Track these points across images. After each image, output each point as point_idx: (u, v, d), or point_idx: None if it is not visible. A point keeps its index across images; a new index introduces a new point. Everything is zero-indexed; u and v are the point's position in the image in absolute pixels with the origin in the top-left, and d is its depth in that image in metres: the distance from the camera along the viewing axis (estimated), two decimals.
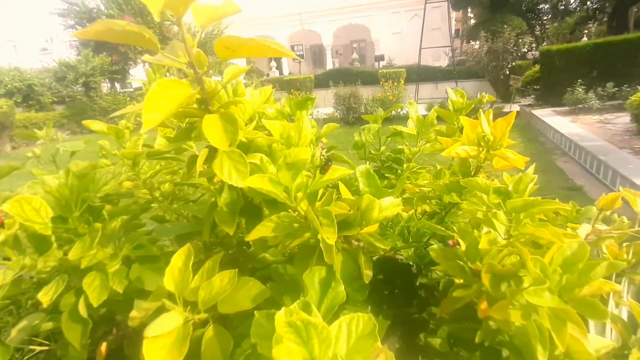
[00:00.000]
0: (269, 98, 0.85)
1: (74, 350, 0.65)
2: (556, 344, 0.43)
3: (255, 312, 0.52)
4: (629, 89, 8.40)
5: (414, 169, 1.09)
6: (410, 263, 0.85)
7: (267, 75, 18.72)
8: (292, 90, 13.50)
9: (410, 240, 0.84)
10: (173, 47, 0.58)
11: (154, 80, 0.90)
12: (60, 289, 0.61)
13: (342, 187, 0.68)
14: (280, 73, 20.25)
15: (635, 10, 14.81)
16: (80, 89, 14.76)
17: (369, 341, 0.42)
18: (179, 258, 0.56)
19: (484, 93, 1.00)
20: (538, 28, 20.31)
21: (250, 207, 0.68)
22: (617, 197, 0.79)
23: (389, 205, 0.62)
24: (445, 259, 0.60)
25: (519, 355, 0.55)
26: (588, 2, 18.31)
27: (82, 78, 14.18)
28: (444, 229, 0.71)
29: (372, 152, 1.20)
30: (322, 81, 15.11)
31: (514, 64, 11.36)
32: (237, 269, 0.57)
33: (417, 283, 0.86)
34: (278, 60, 21.05)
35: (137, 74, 17.85)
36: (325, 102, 13.01)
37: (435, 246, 0.67)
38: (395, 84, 12.47)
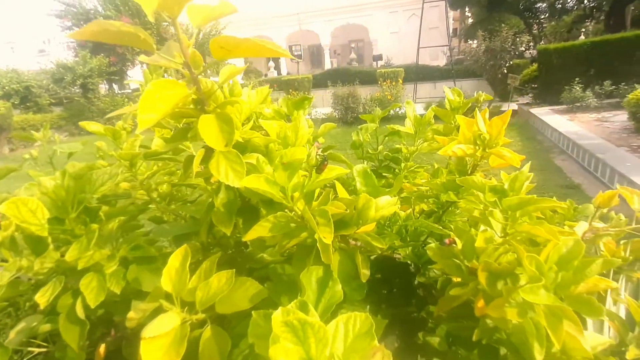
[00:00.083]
0: (265, 98, 0.85)
1: (72, 351, 0.65)
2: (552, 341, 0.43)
3: (252, 312, 0.52)
4: (626, 87, 8.42)
5: (412, 168, 1.09)
6: (408, 262, 0.85)
7: (265, 75, 18.72)
8: (290, 90, 13.50)
9: (408, 239, 0.84)
10: (169, 48, 0.58)
11: (150, 80, 0.90)
12: (57, 290, 0.61)
13: (338, 186, 0.68)
14: (279, 73, 20.25)
15: (632, 8, 14.85)
16: (78, 90, 14.73)
17: (366, 340, 0.42)
18: (176, 259, 0.56)
19: (480, 92, 1.00)
20: (535, 27, 20.35)
21: (248, 207, 0.68)
22: (614, 194, 0.79)
23: (385, 205, 0.62)
24: (442, 257, 0.60)
25: (517, 353, 0.56)
26: (585, 1, 18.36)
27: (80, 79, 14.15)
28: (441, 227, 0.71)
29: (370, 151, 1.20)
30: (320, 81, 15.11)
31: (511, 62, 11.38)
32: (234, 269, 0.57)
33: (416, 282, 0.86)
34: (276, 61, 21.06)
35: (135, 75, 17.84)
36: (323, 102, 13.01)
37: (432, 245, 0.67)
38: (394, 83, 12.49)
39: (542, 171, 5.45)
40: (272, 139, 0.68)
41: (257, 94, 0.75)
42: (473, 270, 0.55)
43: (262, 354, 0.47)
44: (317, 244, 0.56)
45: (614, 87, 8.93)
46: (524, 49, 12.63)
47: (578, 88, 8.82)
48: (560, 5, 19.27)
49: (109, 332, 0.76)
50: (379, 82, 12.77)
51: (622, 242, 0.84)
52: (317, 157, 0.63)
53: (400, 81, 12.80)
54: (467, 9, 20.69)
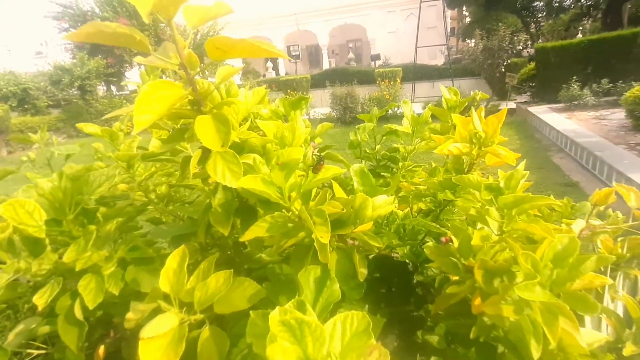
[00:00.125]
0: (263, 98, 0.85)
1: (71, 353, 0.65)
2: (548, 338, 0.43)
3: (250, 312, 0.52)
4: (623, 85, 8.45)
5: (410, 168, 1.10)
6: (407, 261, 0.85)
7: (264, 76, 18.71)
8: (288, 90, 13.50)
9: (406, 238, 0.85)
10: (165, 49, 0.58)
11: (147, 82, 0.90)
12: (55, 291, 0.61)
13: (335, 186, 0.68)
14: (277, 74, 20.24)
15: (629, 6, 14.89)
16: (76, 92, 14.70)
17: (363, 339, 0.42)
18: (174, 259, 0.56)
19: (477, 91, 1.00)
20: (533, 25, 20.39)
21: (245, 207, 0.68)
22: (611, 192, 0.79)
23: (382, 204, 0.62)
24: (439, 255, 0.60)
25: (514, 350, 0.56)
26: None
27: (78, 81, 14.13)
28: (438, 226, 0.71)
29: (368, 151, 1.20)
30: (318, 81, 15.12)
31: (509, 61, 11.40)
32: (232, 270, 0.57)
33: (414, 281, 0.86)
34: (274, 61, 21.06)
35: (133, 77, 17.81)
36: (322, 102, 13.01)
37: (430, 244, 0.67)
38: (392, 83, 12.50)
39: (540, 169, 5.46)
40: (269, 139, 0.68)
41: (254, 95, 0.76)
42: (469, 268, 0.55)
43: (261, 354, 0.47)
44: (315, 244, 0.56)
45: (611, 85, 8.95)
46: (521, 48, 12.64)
47: (576, 86, 8.84)
48: (557, 4, 19.31)
49: (108, 333, 0.76)
50: (377, 82, 12.78)
51: (619, 239, 0.85)
52: (313, 157, 0.63)
53: (399, 81, 12.82)
54: (464, 8, 20.72)
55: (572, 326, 0.42)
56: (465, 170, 0.73)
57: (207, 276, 0.57)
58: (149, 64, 0.57)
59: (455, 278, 0.63)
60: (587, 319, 0.73)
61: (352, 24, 22.83)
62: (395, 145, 1.16)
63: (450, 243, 0.60)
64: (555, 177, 5.22)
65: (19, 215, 0.59)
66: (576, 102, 8.74)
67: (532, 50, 13.36)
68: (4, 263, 0.60)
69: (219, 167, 0.56)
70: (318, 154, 0.66)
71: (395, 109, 9.49)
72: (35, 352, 0.76)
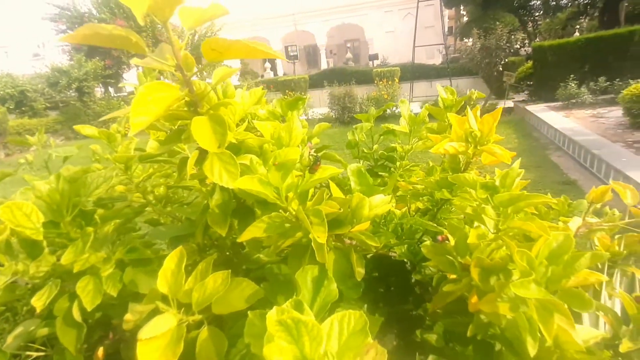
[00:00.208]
0: (260, 99, 0.85)
1: (70, 355, 0.65)
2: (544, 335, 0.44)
3: (248, 312, 0.52)
4: (620, 83, 8.48)
5: (407, 167, 1.10)
6: (405, 260, 0.85)
7: (262, 76, 18.70)
8: (286, 91, 13.50)
9: (404, 237, 0.85)
10: (161, 50, 0.58)
11: (144, 83, 0.90)
12: (53, 293, 0.61)
13: (332, 186, 0.69)
14: (275, 74, 20.23)
15: (626, 4, 14.93)
16: (73, 94, 14.67)
17: (360, 337, 0.42)
18: (172, 260, 0.56)
19: (473, 90, 1.01)
20: (530, 24, 20.43)
21: (243, 208, 0.68)
22: (607, 189, 0.80)
23: (379, 203, 0.62)
24: (435, 254, 0.61)
25: (511, 348, 0.56)
26: None
27: (75, 83, 14.10)
28: (435, 225, 0.72)
29: (365, 150, 1.20)
30: (316, 81, 15.13)
31: (507, 60, 11.42)
32: (230, 270, 0.57)
33: (412, 280, 0.86)
34: (272, 62, 21.05)
35: (131, 78, 17.78)
36: (320, 102, 13.01)
37: (427, 242, 0.68)
38: (390, 82, 12.51)
39: (538, 168, 5.47)
40: (266, 140, 0.68)
41: (251, 95, 0.76)
42: (466, 267, 0.56)
43: (258, 354, 0.47)
44: (312, 244, 0.57)
45: (608, 83, 8.98)
46: (519, 47, 12.67)
47: (573, 85, 8.87)
48: (554, 3, 19.35)
49: (107, 335, 0.76)
50: (376, 82, 12.80)
51: (616, 236, 0.85)
52: (310, 157, 0.63)
53: (397, 80, 12.83)
54: (462, 8, 20.75)
55: (567, 323, 0.43)
56: (462, 169, 0.73)
57: (205, 277, 0.57)
58: (145, 66, 0.57)
59: (453, 276, 0.63)
60: (585, 316, 0.74)
61: (350, 24, 22.84)
62: (392, 145, 1.16)
63: (447, 241, 0.61)
64: (554, 175, 5.23)
65: (16, 218, 0.59)
66: (574, 101, 8.77)
67: (529, 49, 13.38)
68: (2, 265, 0.60)
69: (215, 168, 0.56)
70: (315, 154, 0.66)
71: (394, 108, 9.51)
72: (35, 354, 0.76)
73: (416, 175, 1.07)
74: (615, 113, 7.33)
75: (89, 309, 0.61)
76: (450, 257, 0.59)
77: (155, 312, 0.54)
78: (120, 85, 14.37)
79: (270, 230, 0.59)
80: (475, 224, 0.62)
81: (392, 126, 1.10)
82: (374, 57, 19.87)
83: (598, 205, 0.83)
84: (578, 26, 18.47)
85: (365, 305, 0.75)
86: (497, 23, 12.88)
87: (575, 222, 0.79)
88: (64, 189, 0.63)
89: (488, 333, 0.60)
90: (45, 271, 0.61)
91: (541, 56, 10.15)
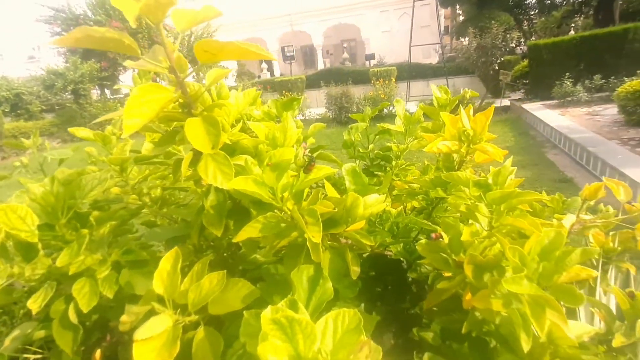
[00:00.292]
0: (255, 100, 0.86)
1: (67, 357, 0.65)
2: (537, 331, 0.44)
3: (244, 311, 0.52)
4: (615, 81, 8.52)
5: (403, 166, 1.11)
6: (401, 259, 0.86)
7: (259, 77, 18.70)
8: (283, 91, 13.49)
9: (399, 236, 0.85)
10: (154, 52, 0.58)
11: (140, 85, 0.90)
12: (49, 296, 0.61)
13: (327, 185, 0.69)
14: (272, 75, 20.22)
15: (620, 2, 15.02)
16: (69, 96, 14.61)
17: (354, 335, 0.42)
18: (167, 261, 0.56)
19: (466, 89, 1.01)
20: (525, 23, 20.50)
21: (238, 208, 0.69)
22: (600, 186, 0.81)
23: (374, 202, 0.63)
24: (430, 252, 0.61)
25: (505, 344, 0.57)
26: None
27: (71, 85, 14.04)
28: (430, 223, 0.72)
29: (361, 150, 1.21)
30: (313, 81, 15.12)
31: (502, 59, 11.45)
32: (225, 270, 0.58)
33: (409, 279, 0.87)
34: (269, 62, 21.03)
35: (127, 80, 17.71)
36: (317, 103, 13.02)
37: (422, 241, 0.68)
38: (387, 82, 12.52)
39: (535, 166, 5.49)
40: (261, 141, 0.68)
41: (245, 96, 0.76)
42: (460, 264, 0.56)
43: (254, 353, 0.47)
44: (307, 243, 0.57)
45: (603, 81, 9.03)
46: (514, 45, 12.72)
47: (569, 83, 8.91)
48: (549, 1, 19.43)
49: (104, 337, 0.76)
50: (372, 81, 12.81)
51: (611, 233, 0.86)
52: (305, 157, 0.63)
53: (393, 80, 12.84)
54: (457, 7, 20.80)
55: (559, 318, 0.43)
56: (456, 167, 0.73)
57: (200, 277, 0.58)
58: (138, 68, 0.57)
59: (448, 274, 0.64)
60: (581, 312, 0.74)
61: (346, 24, 22.88)
62: (388, 144, 1.16)
63: (441, 239, 0.61)
64: (550, 173, 5.26)
65: (11, 221, 0.59)
66: (569, 99, 8.81)
67: (525, 48, 13.45)
68: None
69: (210, 169, 0.57)
70: (309, 154, 0.66)
71: (390, 107, 9.52)
72: (32, 356, 0.76)
73: (412, 175, 1.08)
74: (611, 111, 7.37)
75: (85, 311, 0.61)
76: (445, 255, 0.60)
77: (152, 313, 0.54)
78: (116, 87, 14.32)
79: (266, 230, 0.59)
80: (469, 221, 0.63)
81: (387, 126, 1.11)
82: (371, 56, 19.89)
83: (592, 203, 0.83)
84: (573, 24, 18.55)
85: (362, 305, 0.75)
86: (493, 22, 12.94)
87: (569, 219, 0.80)
88: (59, 192, 0.63)
89: (483, 330, 0.61)
90: (41, 274, 0.61)
91: (537, 54, 10.20)
